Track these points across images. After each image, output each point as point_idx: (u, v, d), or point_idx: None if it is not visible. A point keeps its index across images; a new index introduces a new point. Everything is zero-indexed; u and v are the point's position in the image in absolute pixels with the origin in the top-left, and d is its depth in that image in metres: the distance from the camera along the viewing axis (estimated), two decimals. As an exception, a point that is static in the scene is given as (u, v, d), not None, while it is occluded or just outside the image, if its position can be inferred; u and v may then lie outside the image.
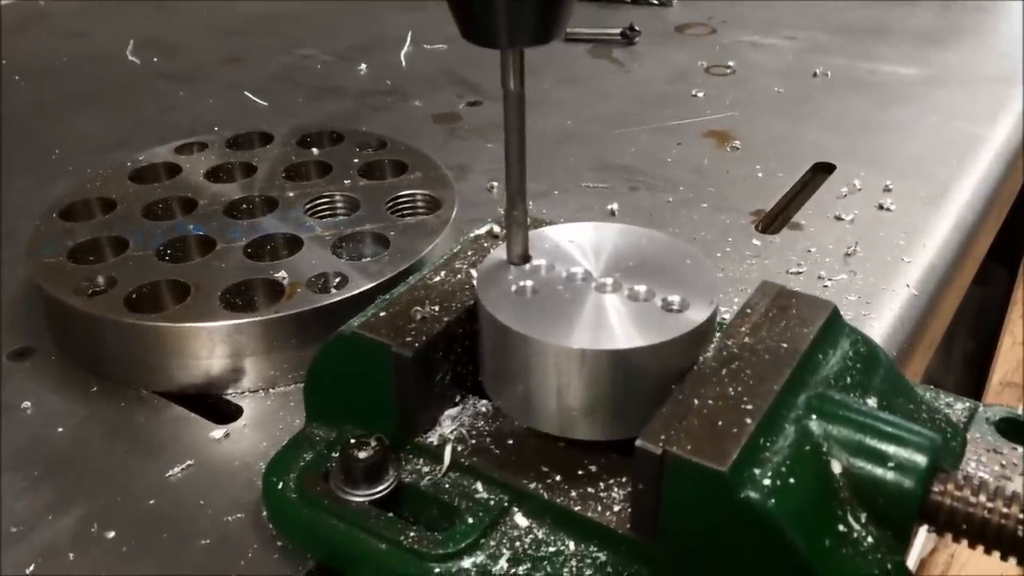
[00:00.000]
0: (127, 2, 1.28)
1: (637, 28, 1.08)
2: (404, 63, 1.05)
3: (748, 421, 0.37)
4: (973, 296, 1.41)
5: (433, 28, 1.12)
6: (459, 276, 0.48)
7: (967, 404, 0.47)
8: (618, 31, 1.08)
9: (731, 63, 1.02)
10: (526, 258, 0.45)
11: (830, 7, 1.19)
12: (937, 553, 1.78)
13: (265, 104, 0.95)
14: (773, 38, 1.09)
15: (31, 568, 0.44)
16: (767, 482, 0.35)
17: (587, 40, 1.09)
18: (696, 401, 0.38)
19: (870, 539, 0.37)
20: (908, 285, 0.62)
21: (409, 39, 1.10)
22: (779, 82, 0.96)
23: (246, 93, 0.96)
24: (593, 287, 0.43)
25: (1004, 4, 1.18)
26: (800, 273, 0.63)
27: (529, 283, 0.43)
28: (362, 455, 0.43)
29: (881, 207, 0.71)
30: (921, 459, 0.37)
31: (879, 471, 0.37)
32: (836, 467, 0.38)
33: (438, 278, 0.48)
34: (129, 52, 1.09)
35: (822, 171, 0.78)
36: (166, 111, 0.94)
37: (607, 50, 1.07)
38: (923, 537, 1.60)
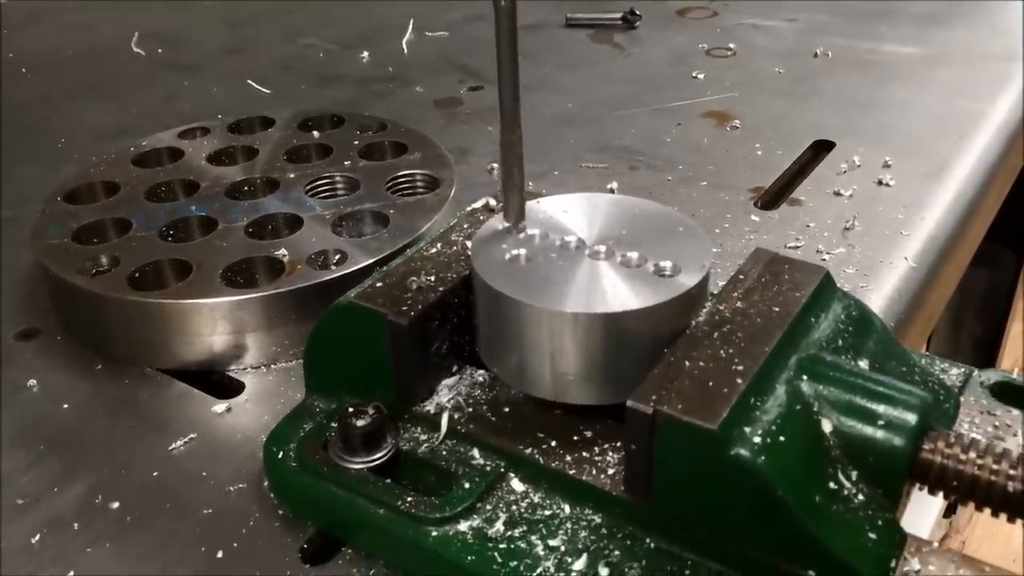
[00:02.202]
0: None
1: (638, 12, 1.08)
2: (406, 50, 1.06)
3: (739, 382, 0.37)
4: (981, 279, 1.41)
5: (434, 15, 1.12)
6: (455, 248, 0.48)
7: (962, 369, 0.48)
8: (619, 16, 1.09)
9: (732, 45, 1.02)
10: (521, 216, 0.45)
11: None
12: (949, 539, 1.78)
13: (268, 92, 0.95)
14: (774, 20, 1.09)
15: (36, 538, 0.44)
16: (757, 440, 0.36)
17: (588, 25, 1.09)
18: (688, 363, 0.39)
19: (861, 496, 0.37)
20: (906, 258, 0.62)
21: (411, 26, 1.10)
22: (780, 63, 0.96)
23: (249, 82, 0.97)
24: (586, 254, 0.43)
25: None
26: (799, 247, 0.64)
27: (523, 251, 0.44)
28: (360, 423, 0.43)
29: (880, 182, 0.71)
30: (911, 417, 0.37)
31: (869, 430, 0.37)
32: (827, 426, 0.38)
33: (434, 250, 0.48)
34: (134, 44, 1.10)
35: (822, 149, 0.78)
36: (170, 100, 0.95)
37: (608, 35, 1.08)
38: (934, 522, 1.59)
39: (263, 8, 1.23)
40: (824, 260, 0.62)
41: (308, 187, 0.64)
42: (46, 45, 1.12)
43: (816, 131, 0.81)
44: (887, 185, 0.71)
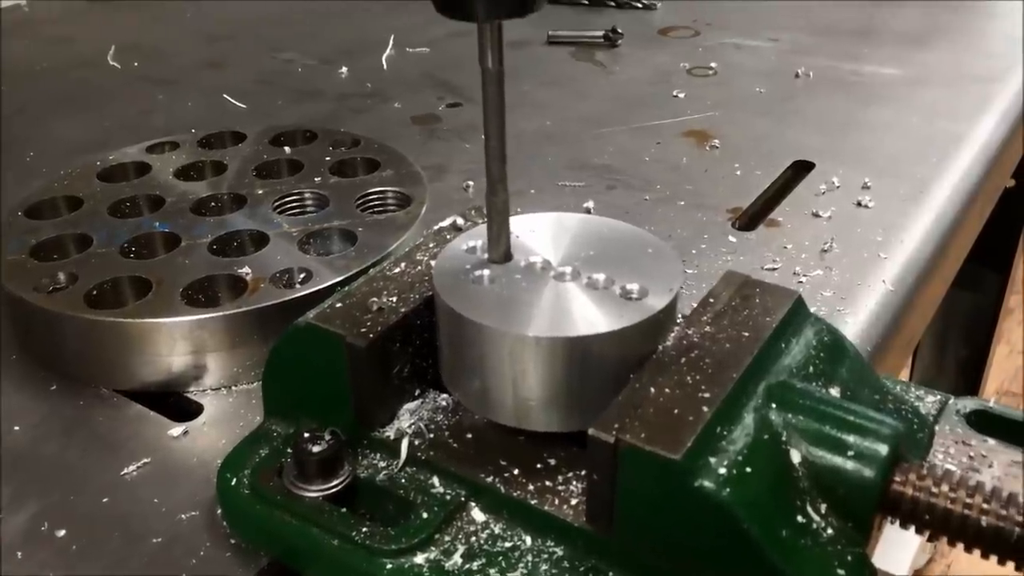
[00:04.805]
0: (111, 9, 1.27)
1: (620, 30, 1.08)
2: (386, 66, 1.05)
3: (705, 409, 0.36)
4: (965, 302, 1.40)
5: (416, 32, 1.12)
6: (419, 268, 0.47)
7: (938, 397, 0.46)
8: (601, 34, 1.08)
9: (713, 64, 1.01)
10: (508, 256, 0.43)
11: (814, 9, 1.19)
12: (933, 564, 1.76)
13: (244, 107, 0.94)
14: (756, 40, 1.09)
15: (-23, 567, 0.43)
16: (722, 471, 0.34)
17: (569, 42, 1.09)
18: (653, 389, 0.37)
19: (830, 530, 0.36)
20: (884, 281, 0.61)
21: (391, 43, 1.09)
22: (761, 82, 0.96)
23: (225, 96, 0.96)
24: (552, 276, 0.42)
25: (988, 4, 1.18)
26: (775, 269, 0.63)
27: (486, 272, 0.42)
28: (316, 449, 0.42)
29: (859, 204, 0.70)
30: (882, 448, 0.36)
31: (838, 460, 0.36)
32: (795, 457, 0.37)
33: (398, 270, 0.47)
34: (110, 57, 1.08)
35: (801, 169, 0.77)
36: (145, 114, 0.94)
37: (590, 52, 1.07)
38: (917, 547, 1.58)
39: (243, 22, 1.22)
40: (801, 283, 0.61)
41: (276, 203, 0.63)
42: (22, 58, 1.10)
43: (796, 151, 0.80)
44: (866, 207, 0.70)
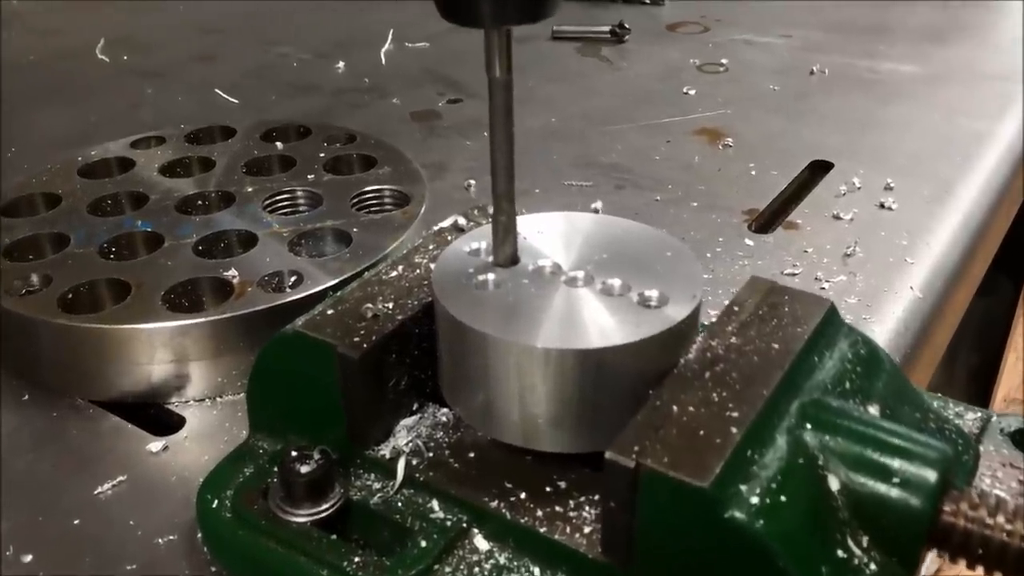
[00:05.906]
0: (102, 1, 1.24)
1: (627, 26, 1.04)
2: (384, 61, 1.01)
3: (734, 431, 0.32)
4: (977, 307, 1.36)
5: (416, 26, 1.08)
6: (418, 271, 0.43)
7: (978, 414, 0.43)
8: (607, 29, 1.04)
9: (724, 61, 0.98)
10: (515, 260, 0.40)
11: (827, 5, 1.15)
12: (942, 572, 1.73)
13: (236, 102, 0.91)
14: (768, 36, 1.05)
15: (-66, 596, 0.39)
16: (755, 500, 0.31)
17: (575, 38, 1.05)
18: (675, 408, 0.34)
19: (873, 566, 0.32)
20: (912, 287, 0.58)
21: (391, 37, 1.06)
22: (774, 80, 0.92)
23: (216, 90, 0.92)
24: (562, 281, 0.39)
25: (997, 5, 1.15)
26: (796, 274, 0.59)
27: (491, 276, 0.39)
28: (304, 469, 0.38)
29: (882, 206, 0.67)
30: (930, 474, 0.33)
31: (883, 488, 0.33)
32: (834, 483, 0.33)
33: (395, 273, 0.43)
34: (99, 50, 1.05)
35: (819, 169, 0.74)
36: (132, 109, 0.90)
37: (596, 48, 1.03)
38: (927, 559, 1.54)
39: (237, 15, 1.18)
40: (823, 289, 0.57)
41: (266, 202, 0.59)
42: (9, 50, 1.07)
43: (813, 151, 0.76)
44: (889, 209, 0.66)
